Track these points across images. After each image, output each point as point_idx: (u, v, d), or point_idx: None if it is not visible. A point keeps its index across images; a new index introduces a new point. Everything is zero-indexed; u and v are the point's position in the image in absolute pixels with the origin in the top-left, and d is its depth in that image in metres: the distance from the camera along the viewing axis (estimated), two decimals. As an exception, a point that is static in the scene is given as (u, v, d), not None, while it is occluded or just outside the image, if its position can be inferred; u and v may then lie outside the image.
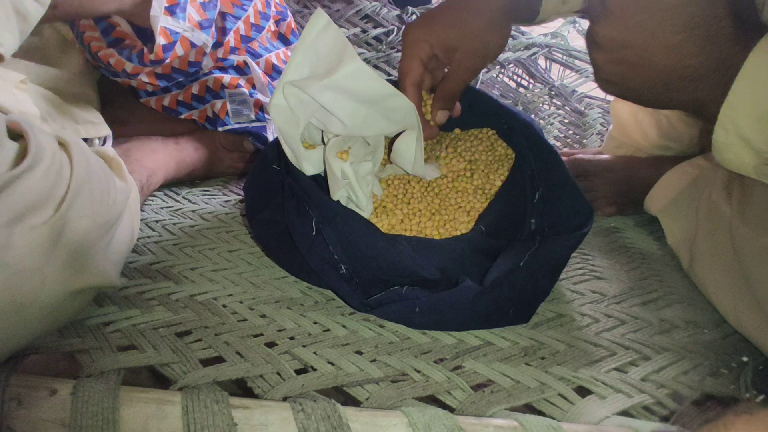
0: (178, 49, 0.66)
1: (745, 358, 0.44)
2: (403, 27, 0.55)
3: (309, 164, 0.51)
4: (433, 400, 0.37)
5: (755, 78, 0.35)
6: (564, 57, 1.18)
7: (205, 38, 0.68)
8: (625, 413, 0.37)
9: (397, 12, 1.18)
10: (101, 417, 0.33)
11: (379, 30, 1.13)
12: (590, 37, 0.41)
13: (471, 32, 0.51)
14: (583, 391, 0.39)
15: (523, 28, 1.20)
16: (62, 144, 0.42)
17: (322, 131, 0.52)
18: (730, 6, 0.36)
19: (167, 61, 0.65)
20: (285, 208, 0.47)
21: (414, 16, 1.19)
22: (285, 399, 0.35)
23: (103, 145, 0.64)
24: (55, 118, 0.57)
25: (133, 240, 0.52)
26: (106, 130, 0.64)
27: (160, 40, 0.63)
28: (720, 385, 0.41)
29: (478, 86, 1.07)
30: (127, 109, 0.78)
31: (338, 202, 0.50)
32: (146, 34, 0.67)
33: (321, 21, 0.45)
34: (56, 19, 0.55)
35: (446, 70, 0.55)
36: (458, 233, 0.50)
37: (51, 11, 0.49)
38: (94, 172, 0.43)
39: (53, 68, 0.61)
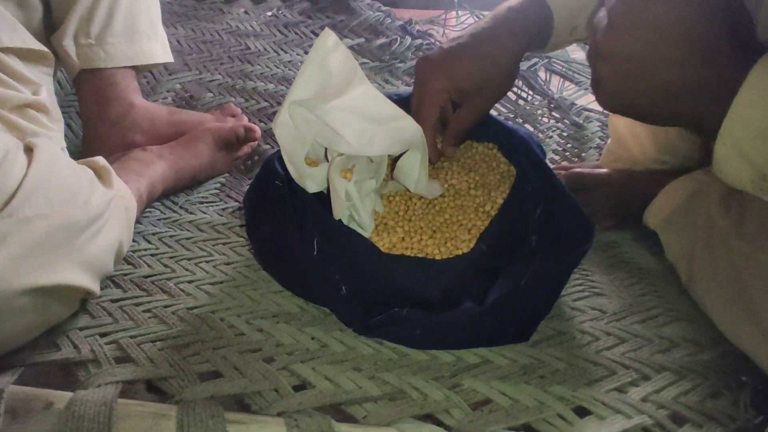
0: None
1: (744, 378, 0.44)
2: (417, 61, 0.56)
3: (312, 182, 0.51)
4: (430, 419, 0.37)
5: (755, 95, 0.36)
6: (564, 69, 1.18)
7: None
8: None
9: (401, 23, 1.19)
10: (97, 431, 0.33)
11: (382, 40, 1.14)
12: (594, 50, 0.41)
13: (489, 81, 0.54)
14: (582, 411, 0.38)
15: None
16: (28, 146, 0.43)
17: (326, 148, 0.52)
18: (728, 26, 0.37)
19: None
20: (286, 226, 0.47)
21: (417, 27, 1.19)
22: (280, 415, 0.35)
23: None
24: None
25: (122, 248, 0.50)
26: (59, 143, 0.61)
27: None
28: (720, 405, 0.41)
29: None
30: (124, 121, 0.77)
31: (340, 221, 0.49)
32: None
33: (329, 41, 0.44)
34: None
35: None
36: (459, 252, 0.50)
37: None
38: (58, 172, 0.44)
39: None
